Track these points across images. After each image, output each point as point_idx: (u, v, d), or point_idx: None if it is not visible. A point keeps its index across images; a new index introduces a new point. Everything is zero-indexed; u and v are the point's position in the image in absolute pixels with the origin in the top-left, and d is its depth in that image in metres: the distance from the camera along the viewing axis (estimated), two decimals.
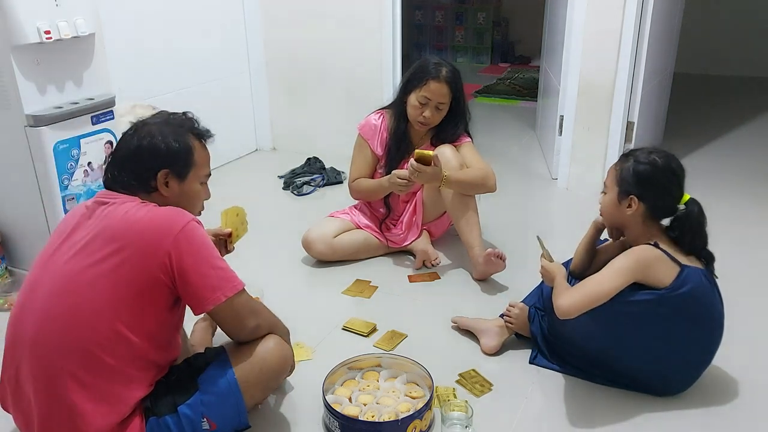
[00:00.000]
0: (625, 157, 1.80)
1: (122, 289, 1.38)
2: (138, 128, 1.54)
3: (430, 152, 2.30)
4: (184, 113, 1.63)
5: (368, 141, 2.60)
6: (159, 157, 1.51)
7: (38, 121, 2.30)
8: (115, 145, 1.55)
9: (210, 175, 1.65)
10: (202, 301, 1.44)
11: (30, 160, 2.35)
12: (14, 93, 2.28)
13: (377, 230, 2.64)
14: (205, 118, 3.89)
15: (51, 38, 2.28)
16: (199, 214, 1.65)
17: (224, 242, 1.88)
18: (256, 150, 4.02)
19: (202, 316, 1.74)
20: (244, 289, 1.50)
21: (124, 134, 1.54)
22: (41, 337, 1.39)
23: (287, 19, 3.67)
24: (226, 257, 1.91)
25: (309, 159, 3.61)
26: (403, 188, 2.42)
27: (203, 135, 1.62)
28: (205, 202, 1.68)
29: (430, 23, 6.76)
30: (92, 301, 1.37)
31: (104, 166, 1.56)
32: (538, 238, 1.93)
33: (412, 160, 2.29)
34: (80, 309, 1.37)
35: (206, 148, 1.63)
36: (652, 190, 1.74)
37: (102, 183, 1.56)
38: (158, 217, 1.43)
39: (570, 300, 1.69)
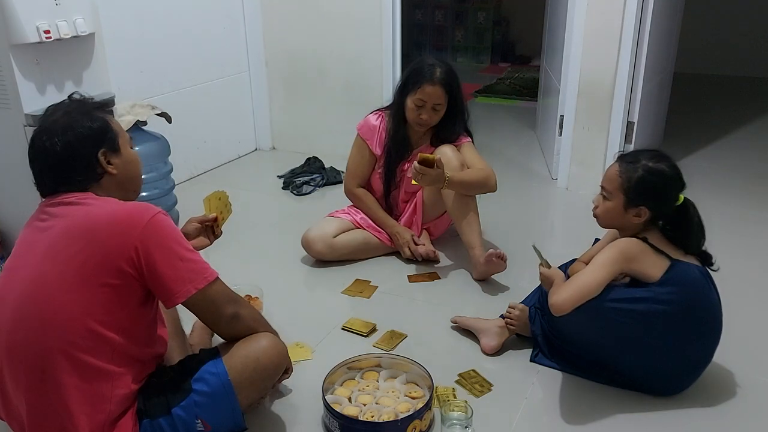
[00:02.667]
0: (628, 164, 1.75)
1: (91, 285, 1.36)
2: (48, 131, 1.48)
3: (433, 156, 2.30)
4: (69, 96, 1.60)
5: (367, 141, 2.60)
6: (89, 142, 1.48)
7: (38, 120, 2.30)
8: (30, 157, 1.50)
9: (132, 138, 1.63)
10: (172, 294, 1.42)
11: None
12: (14, 93, 2.28)
13: (377, 230, 2.64)
14: (205, 117, 3.92)
15: (51, 38, 2.28)
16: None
17: (211, 228, 1.86)
18: (256, 150, 4.02)
19: None
20: (218, 278, 1.48)
21: (36, 143, 1.48)
22: (16, 344, 1.37)
23: (287, 19, 3.66)
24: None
25: (308, 159, 3.61)
26: (405, 251, 2.55)
27: (103, 105, 1.60)
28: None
29: (430, 23, 6.76)
30: (62, 301, 1.35)
31: (33, 180, 1.51)
32: (534, 247, 1.92)
33: (415, 162, 2.29)
34: (51, 310, 1.36)
35: (112, 115, 1.61)
36: (661, 200, 1.74)
37: (42, 193, 1.51)
38: (123, 211, 1.42)
39: (561, 297, 1.69)
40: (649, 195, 1.73)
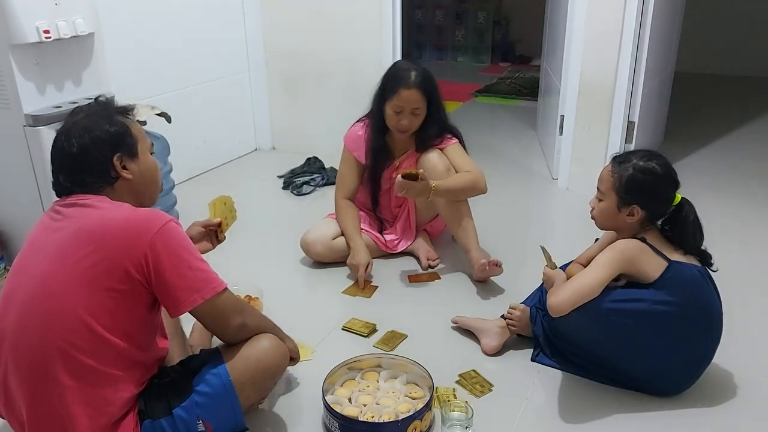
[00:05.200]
0: (620, 164, 1.77)
1: (98, 289, 1.36)
2: (68, 132, 1.49)
3: (416, 170, 2.27)
4: (96, 99, 1.61)
5: (354, 153, 2.56)
6: (105, 146, 1.48)
7: (37, 120, 2.30)
8: (51, 157, 1.52)
9: (153, 143, 1.63)
10: (178, 302, 1.42)
11: (29, 159, 2.35)
12: (13, 92, 2.28)
13: (375, 233, 2.63)
14: (205, 117, 3.92)
15: (50, 38, 2.28)
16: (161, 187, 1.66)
17: (215, 233, 1.86)
18: (256, 150, 4.01)
19: None
20: (226, 289, 1.48)
21: (56, 143, 1.50)
22: (21, 343, 1.38)
23: (287, 19, 3.66)
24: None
25: (308, 159, 3.61)
26: (353, 272, 2.44)
27: (126, 110, 1.59)
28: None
29: (430, 23, 6.76)
30: (68, 303, 1.35)
31: (51, 179, 1.52)
32: (543, 248, 1.92)
33: (399, 177, 2.25)
34: (57, 312, 1.36)
35: (135, 120, 1.60)
36: (654, 198, 1.75)
37: (57, 193, 1.52)
38: (135, 217, 1.42)
39: (559, 297, 1.69)
40: (640, 193, 1.73)
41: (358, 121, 2.61)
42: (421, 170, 2.27)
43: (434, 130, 2.47)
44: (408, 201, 2.60)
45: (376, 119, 2.48)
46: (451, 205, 2.44)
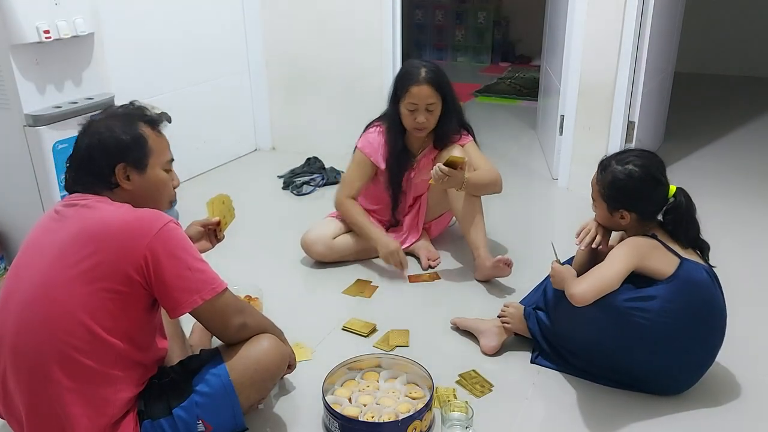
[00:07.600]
0: (602, 171, 1.80)
1: (97, 290, 1.36)
2: (86, 128, 1.49)
3: (462, 157, 2.28)
4: (131, 102, 1.60)
5: (371, 158, 2.53)
6: (111, 152, 1.47)
7: (37, 120, 2.30)
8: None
9: (173, 160, 1.60)
10: (178, 304, 1.42)
11: (29, 159, 2.35)
12: (13, 93, 2.28)
13: None
14: (205, 117, 3.92)
15: (50, 38, 2.28)
16: (171, 204, 1.63)
17: (214, 232, 1.86)
18: (256, 150, 4.01)
19: None
20: (226, 289, 1.48)
21: (78, 135, 1.50)
22: (20, 344, 1.38)
23: (287, 19, 3.66)
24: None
25: (308, 159, 3.61)
26: (389, 261, 2.45)
27: (155, 121, 1.56)
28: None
29: (430, 23, 6.75)
30: (67, 304, 1.35)
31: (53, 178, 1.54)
32: (553, 245, 1.93)
33: (440, 165, 2.24)
34: (56, 313, 1.35)
35: (162, 133, 1.57)
36: (637, 200, 1.77)
37: (65, 188, 1.52)
38: (135, 218, 1.42)
39: (582, 288, 1.70)
40: (623, 198, 1.77)
41: (369, 125, 2.58)
42: (466, 158, 2.29)
43: (452, 124, 2.48)
44: (420, 199, 2.60)
45: (392, 122, 2.47)
46: (467, 200, 2.44)
